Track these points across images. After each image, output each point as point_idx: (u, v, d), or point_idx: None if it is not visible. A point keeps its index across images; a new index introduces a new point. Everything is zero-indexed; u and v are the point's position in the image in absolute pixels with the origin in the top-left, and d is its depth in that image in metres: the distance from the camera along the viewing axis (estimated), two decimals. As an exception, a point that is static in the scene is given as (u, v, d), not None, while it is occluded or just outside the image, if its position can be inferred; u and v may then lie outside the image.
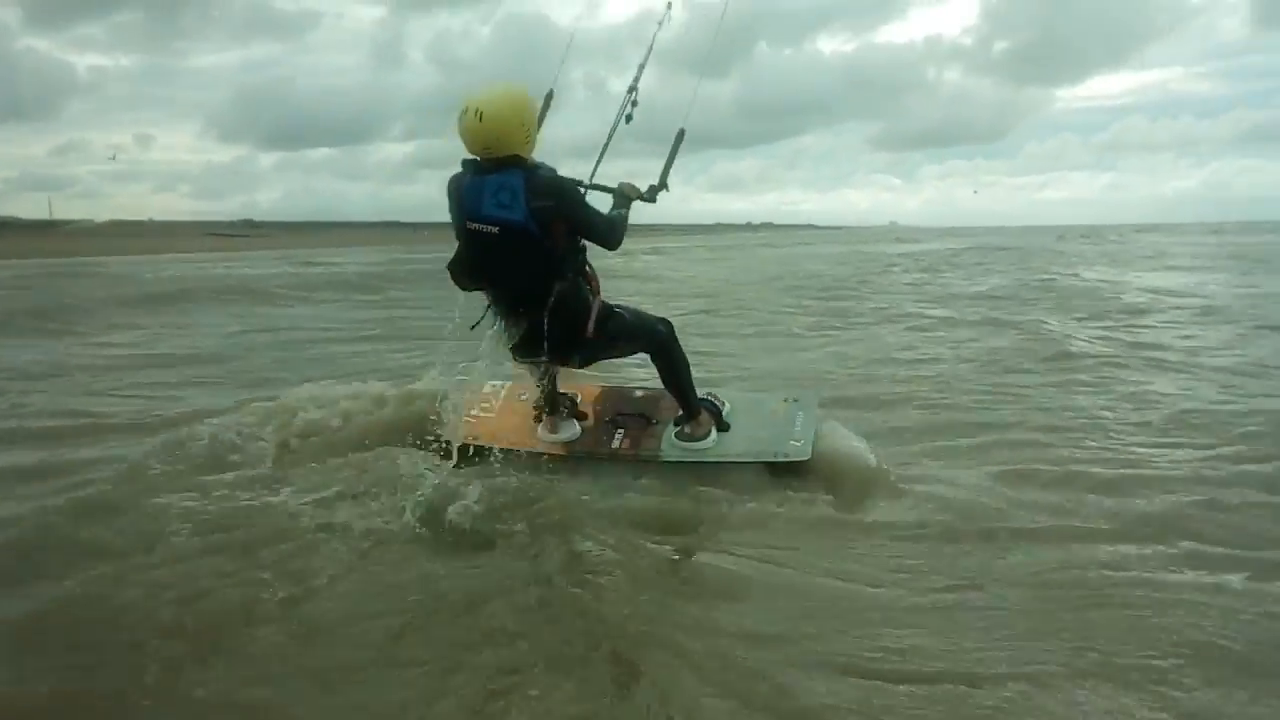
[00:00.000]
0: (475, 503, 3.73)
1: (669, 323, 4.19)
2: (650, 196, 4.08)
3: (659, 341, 4.10)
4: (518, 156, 3.61)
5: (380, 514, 3.65)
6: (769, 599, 3.03)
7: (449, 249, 3.83)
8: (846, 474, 4.03)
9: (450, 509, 3.67)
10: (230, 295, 16.49)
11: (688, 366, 4.18)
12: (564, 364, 4.10)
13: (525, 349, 3.91)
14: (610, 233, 3.81)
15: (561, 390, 4.40)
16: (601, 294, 3.94)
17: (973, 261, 28.74)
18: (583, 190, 4.00)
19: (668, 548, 3.56)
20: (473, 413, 4.49)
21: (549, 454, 4.31)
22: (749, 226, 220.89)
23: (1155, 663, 2.53)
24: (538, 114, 3.84)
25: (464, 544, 3.48)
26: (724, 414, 4.32)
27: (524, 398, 4.59)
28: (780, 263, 31.45)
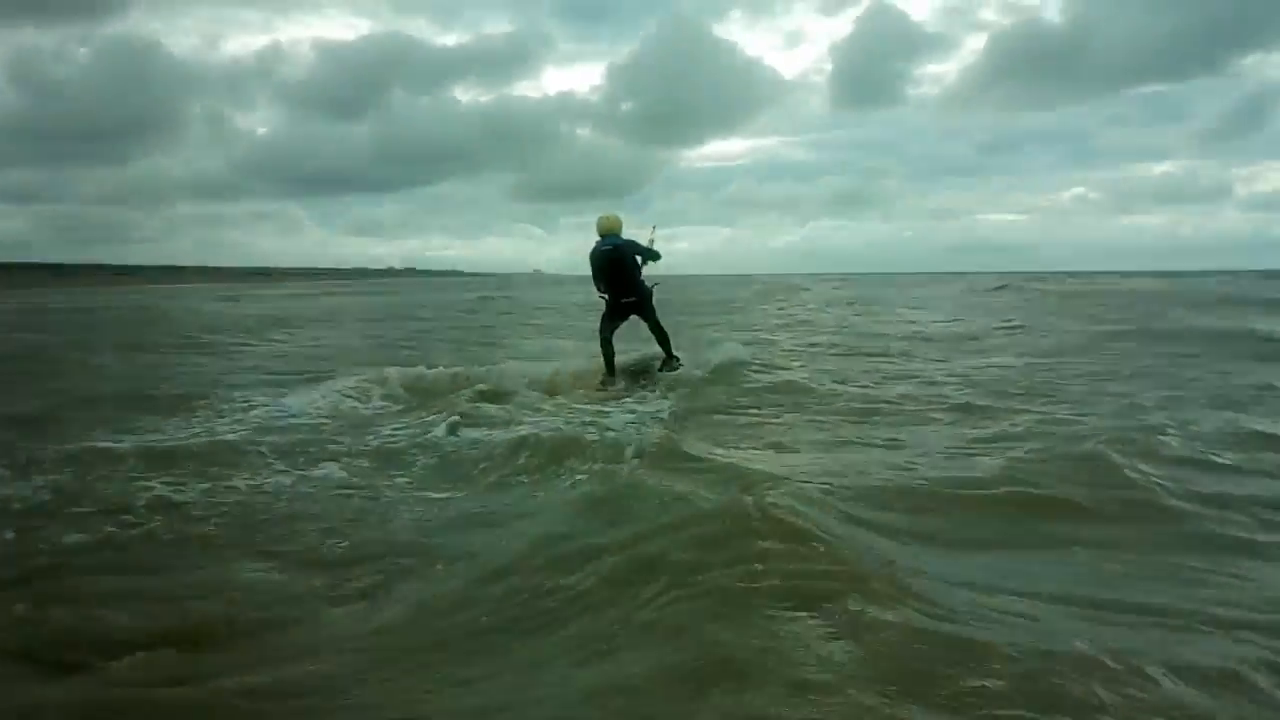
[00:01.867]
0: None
1: None
2: (654, 256, 9.58)
3: (658, 321, 9.68)
4: (617, 234, 9.29)
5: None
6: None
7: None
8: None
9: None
10: None
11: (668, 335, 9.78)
12: (636, 314, 9.57)
13: (623, 312, 9.47)
14: (652, 255, 9.48)
15: (613, 367, 9.62)
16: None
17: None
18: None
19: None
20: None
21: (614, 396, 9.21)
22: (390, 272, 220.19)
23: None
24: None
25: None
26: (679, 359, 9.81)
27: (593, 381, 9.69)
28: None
